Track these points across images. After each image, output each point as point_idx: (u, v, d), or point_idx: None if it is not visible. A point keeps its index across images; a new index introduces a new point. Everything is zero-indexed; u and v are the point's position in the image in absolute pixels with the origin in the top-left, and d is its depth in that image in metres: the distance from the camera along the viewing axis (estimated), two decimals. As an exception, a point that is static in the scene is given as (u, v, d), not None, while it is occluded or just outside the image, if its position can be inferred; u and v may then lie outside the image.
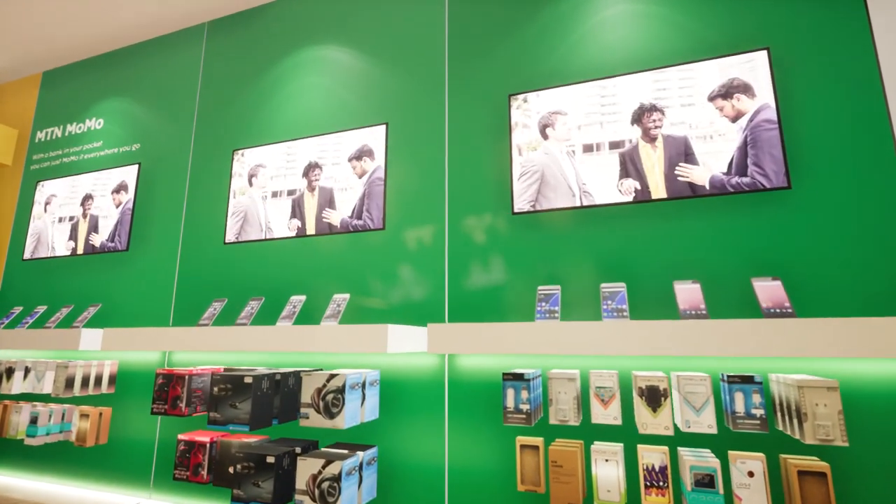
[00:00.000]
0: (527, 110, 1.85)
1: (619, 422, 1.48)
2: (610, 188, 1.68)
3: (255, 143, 2.41)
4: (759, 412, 1.34)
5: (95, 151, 2.84)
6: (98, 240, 2.60)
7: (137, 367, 2.37)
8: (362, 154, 2.13)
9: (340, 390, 1.67)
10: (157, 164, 2.63)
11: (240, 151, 2.38)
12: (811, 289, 1.46)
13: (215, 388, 1.68)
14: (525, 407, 1.48)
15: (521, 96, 1.87)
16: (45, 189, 2.88)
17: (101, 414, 2.32)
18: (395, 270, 1.99)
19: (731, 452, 1.39)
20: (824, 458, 1.39)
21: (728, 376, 1.38)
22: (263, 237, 2.23)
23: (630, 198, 1.65)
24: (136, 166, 2.61)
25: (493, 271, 1.83)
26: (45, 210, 2.84)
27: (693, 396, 1.38)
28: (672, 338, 1.28)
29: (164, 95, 2.72)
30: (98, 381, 2.34)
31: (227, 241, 2.30)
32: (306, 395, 1.71)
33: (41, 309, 2.58)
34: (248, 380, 1.64)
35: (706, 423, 1.36)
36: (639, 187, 1.65)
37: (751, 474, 1.37)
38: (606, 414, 1.50)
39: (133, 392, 2.35)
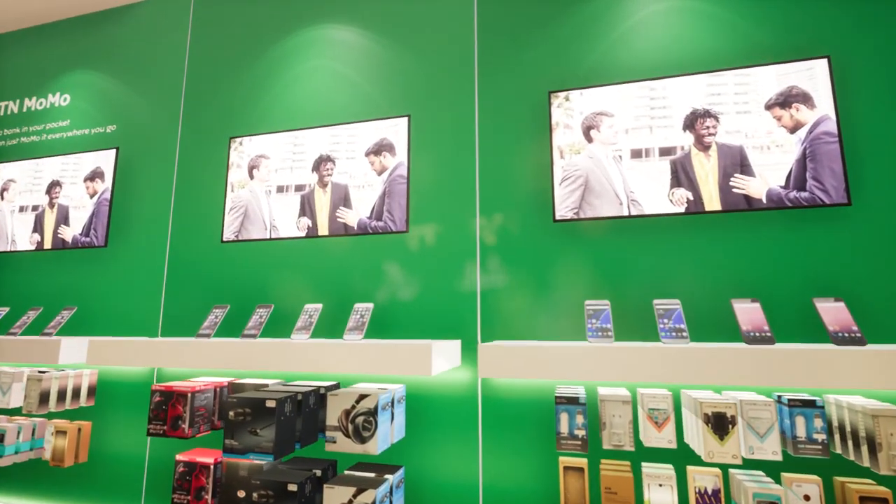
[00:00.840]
0: (569, 109, 1.73)
1: (673, 445, 1.42)
2: (660, 197, 1.60)
3: (256, 130, 2.18)
4: (820, 437, 1.31)
5: (62, 132, 2.50)
6: (69, 233, 2.31)
7: (121, 377, 2.13)
8: (381, 148, 1.95)
9: (372, 412, 1.53)
10: (138, 150, 2.35)
11: (238, 139, 2.15)
12: (873, 310, 1.43)
13: (231, 413, 1.51)
14: (581, 433, 1.39)
15: (562, 94, 1.75)
16: (1, 173, 2.53)
17: (79, 429, 2.08)
18: (419, 277, 1.84)
19: (784, 475, 1.36)
20: (883, 484, 1.39)
21: (789, 400, 1.34)
22: (268, 236, 2.03)
23: (682, 208, 1.57)
24: (114, 151, 2.32)
25: (531, 282, 1.72)
26: (2, 197, 2.50)
27: (757, 422, 1.33)
28: (748, 366, 1.22)
29: (145, 70, 2.42)
30: (76, 393, 2.09)
31: (224, 238, 2.08)
32: (332, 417, 1.56)
33: (2, 311, 2.28)
34: (271, 404, 1.48)
35: (770, 449, 1.31)
36: (691, 198, 1.57)
37: (807, 498, 1.34)
38: (661, 437, 1.44)
39: (116, 404, 2.12)
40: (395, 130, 1.94)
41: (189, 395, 1.72)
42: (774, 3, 1.63)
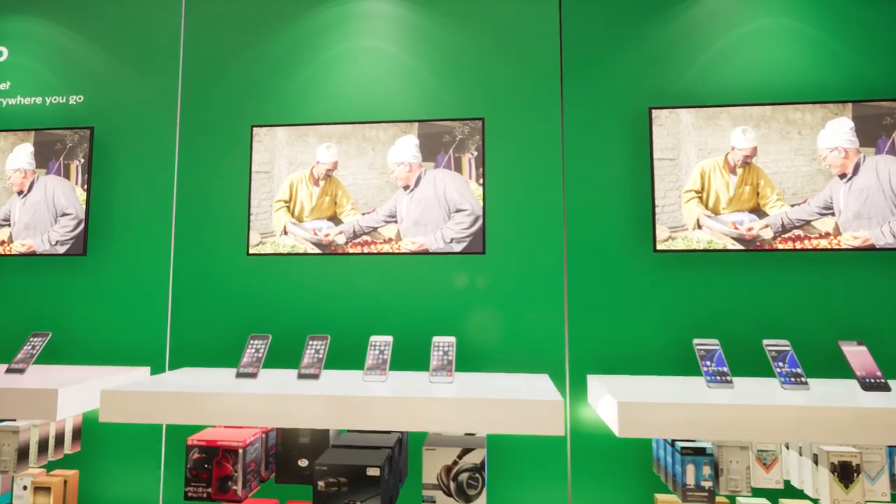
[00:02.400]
0: (673, 129, 1.61)
1: (780, 485, 1.44)
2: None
3: (286, 119, 1.81)
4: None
5: (6, 97, 1.91)
6: (31, 237, 1.80)
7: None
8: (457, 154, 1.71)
9: (478, 468, 1.38)
10: (120, 132, 1.86)
11: (263, 129, 1.77)
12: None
13: (322, 483, 1.27)
14: (707, 484, 1.35)
15: (664, 111, 1.61)
16: None
17: (65, 482, 1.69)
18: (498, 305, 1.67)
19: (871, 506, 1.44)
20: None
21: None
22: (318, 250, 1.72)
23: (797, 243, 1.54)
24: (88, 132, 1.82)
25: (623, 311, 1.62)
26: (-86, 181, 1.88)
27: (868, 466, 1.37)
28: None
29: (121, 24, 1.90)
30: (59, 440, 1.68)
31: (251, 251, 1.74)
32: (429, 475, 1.38)
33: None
34: (374, 472, 1.26)
35: (880, 490, 1.37)
36: (802, 234, 1.55)
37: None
38: (768, 477, 1.45)
39: (109, 447, 1.75)
40: (468, 134, 1.70)
41: (240, 450, 1.44)
42: (882, 35, 1.61)
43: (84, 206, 1.78)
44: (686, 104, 1.65)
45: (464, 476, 1.37)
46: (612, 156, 1.68)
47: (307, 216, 1.74)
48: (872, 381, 1.39)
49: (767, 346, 1.47)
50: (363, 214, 1.72)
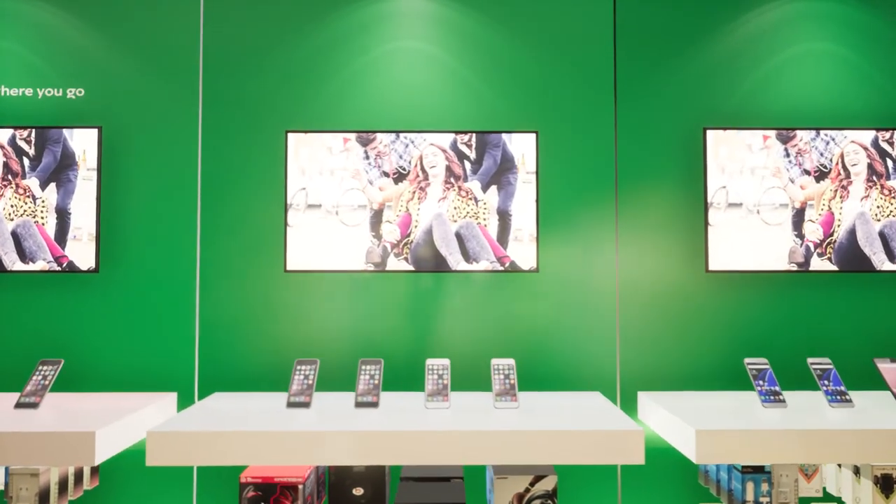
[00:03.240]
0: (726, 151, 1.63)
1: (820, 493, 1.54)
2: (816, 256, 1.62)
3: (321, 124, 1.68)
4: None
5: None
6: (34, 250, 1.59)
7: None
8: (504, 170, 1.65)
9: (550, 495, 1.38)
10: (130, 133, 1.66)
11: (297, 134, 1.64)
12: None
13: (405, 523, 1.22)
14: (765, 500, 1.42)
15: (718, 132, 1.62)
16: None
17: (85, 522, 1.55)
18: (551, 323, 1.66)
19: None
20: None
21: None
22: (366, 267, 1.62)
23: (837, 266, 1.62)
24: (95, 131, 1.61)
25: (673, 331, 1.65)
26: None
27: (902, 475, 1.49)
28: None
29: (130, 9, 1.68)
30: (79, 477, 1.53)
31: (289, 267, 1.62)
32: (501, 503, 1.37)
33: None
34: (459, 509, 1.23)
35: (910, 497, 1.49)
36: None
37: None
38: (809, 487, 1.55)
39: (130, 481, 1.61)
40: (522, 148, 1.65)
41: (300, 486, 1.36)
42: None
43: (95, 217, 1.59)
44: (736, 125, 1.67)
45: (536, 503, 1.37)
46: (663, 173, 1.68)
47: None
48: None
49: (812, 364, 1.54)
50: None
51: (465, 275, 1.66)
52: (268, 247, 1.66)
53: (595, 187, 1.68)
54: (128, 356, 1.63)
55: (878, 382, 1.57)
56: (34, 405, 1.44)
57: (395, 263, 1.63)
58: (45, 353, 1.58)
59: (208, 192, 1.67)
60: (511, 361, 1.53)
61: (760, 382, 1.51)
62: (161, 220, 1.65)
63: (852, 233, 1.62)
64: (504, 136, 1.65)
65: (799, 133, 1.62)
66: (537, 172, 1.64)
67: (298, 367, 1.53)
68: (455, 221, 1.64)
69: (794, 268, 1.62)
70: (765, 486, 1.43)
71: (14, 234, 1.59)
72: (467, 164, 1.65)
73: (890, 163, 1.61)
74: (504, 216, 1.64)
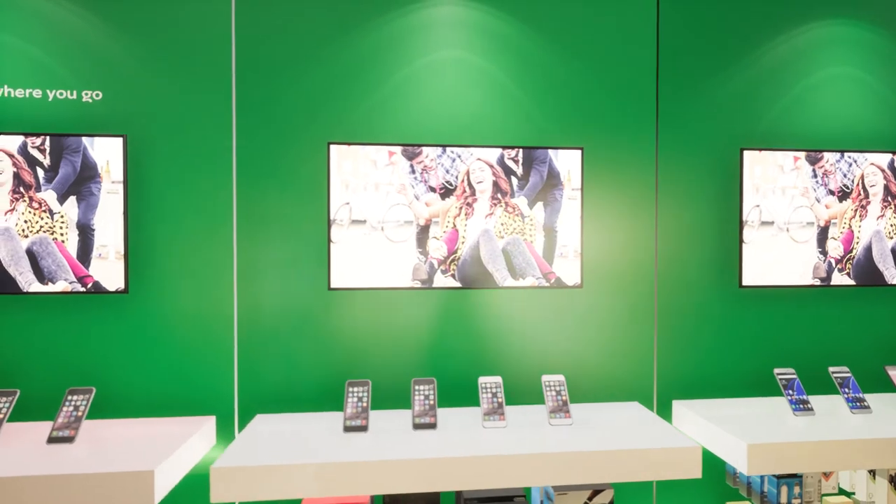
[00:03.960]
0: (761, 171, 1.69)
1: (835, 490, 1.67)
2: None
3: (365, 136, 1.61)
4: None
5: (-16, 89, 1.48)
6: (54, 270, 1.46)
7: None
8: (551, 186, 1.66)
9: (608, 508, 1.43)
10: (155, 141, 1.54)
11: (340, 146, 1.57)
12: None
13: (482, 548, 1.24)
14: (797, 501, 1.54)
15: (754, 153, 1.69)
16: None
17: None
18: (593, 337, 1.70)
19: None
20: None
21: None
22: (412, 284, 1.59)
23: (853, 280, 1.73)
24: (120, 140, 1.48)
25: (708, 345, 1.73)
26: None
27: (908, 471, 1.64)
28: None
29: (154, 6, 1.54)
30: (116, 509, 1.45)
31: (333, 285, 1.58)
32: (561, 518, 1.41)
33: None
34: (534, 531, 1.25)
35: (914, 491, 1.65)
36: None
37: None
38: (827, 485, 1.68)
39: (167, 506, 1.55)
40: (567, 165, 1.65)
41: (365, 513, 1.35)
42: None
43: (122, 233, 1.48)
44: (769, 146, 1.73)
45: (594, 517, 1.42)
46: (700, 191, 1.73)
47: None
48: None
49: (833, 372, 1.66)
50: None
51: (511, 291, 1.67)
52: (310, 263, 1.60)
53: (636, 204, 1.72)
54: (162, 379, 1.54)
55: (887, 385, 1.72)
56: (69, 439, 1.34)
57: (441, 280, 1.62)
58: (71, 378, 1.48)
59: (244, 206, 1.58)
60: (561, 377, 1.56)
61: (790, 392, 1.61)
62: (194, 236, 1.56)
63: (868, 249, 1.73)
64: (550, 151, 1.64)
65: (826, 155, 1.71)
66: (582, 189, 1.65)
67: (351, 389, 1.50)
68: (502, 238, 1.64)
69: (818, 282, 1.72)
70: (797, 489, 1.55)
71: (30, 253, 1.46)
72: (514, 180, 1.64)
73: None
74: (550, 232, 1.65)
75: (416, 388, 1.52)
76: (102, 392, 1.49)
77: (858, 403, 1.60)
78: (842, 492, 1.72)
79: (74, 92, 1.51)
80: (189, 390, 1.55)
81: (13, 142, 1.45)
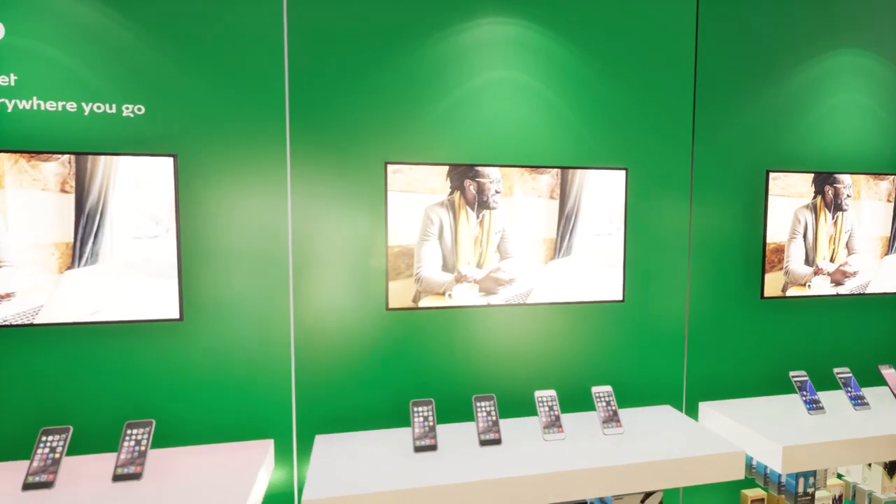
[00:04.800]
0: (784, 190, 1.83)
1: (835, 476, 1.90)
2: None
3: (420, 157, 1.60)
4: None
5: (13, 97, 1.34)
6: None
7: None
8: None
9: (657, 508, 1.56)
10: (209, 160, 1.46)
11: (396, 167, 1.56)
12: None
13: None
14: (812, 490, 1.73)
15: (780, 174, 1.82)
16: None
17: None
18: (631, 347, 1.80)
19: None
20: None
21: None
22: (469, 302, 1.62)
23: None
24: (171, 160, 1.39)
25: (730, 351, 1.89)
26: None
27: None
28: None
29: (203, 18, 1.44)
30: (180, 540, 1.42)
31: (391, 305, 1.58)
32: (617, 520, 1.53)
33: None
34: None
35: (898, 472, 1.89)
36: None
37: None
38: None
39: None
40: (611, 184, 1.71)
41: (441, 528, 1.40)
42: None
43: (176, 259, 1.41)
44: (789, 168, 1.87)
45: (646, 517, 1.54)
46: (728, 211, 1.85)
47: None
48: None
49: (837, 373, 1.86)
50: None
51: (558, 306, 1.73)
52: (367, 284, 1.59)
53: (672, 224, 1.81)
54: (218, 405, 1.50)
55: (877, 380, 1.95)
56: (136, 476, 1.30)
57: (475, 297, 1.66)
58: (124, 409, 1.42)
59: (299, 226, 1.54)
60: (608, 388, 1.66)
61: (804, 393, 1.79)
62: (247, 259, 1.50)
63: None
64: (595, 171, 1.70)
65: (836, 176, 1.87)
66: (626, 208, 1.73)
67: (416, 409, 1.53)
68: (552, 255, 1.69)
69: (826, 293, 1.91)
70: (811, 480, 1.74)
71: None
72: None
73: None
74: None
75: (478, 404, 1.57)
76: (158, 418, 1.44)
77: (860, 401, 1.81)
78: (839, 476, 1.96)
79: (113, 105, 1.40)
80: (245, 414, 1.53)
81: (49, 166, 1.33)
